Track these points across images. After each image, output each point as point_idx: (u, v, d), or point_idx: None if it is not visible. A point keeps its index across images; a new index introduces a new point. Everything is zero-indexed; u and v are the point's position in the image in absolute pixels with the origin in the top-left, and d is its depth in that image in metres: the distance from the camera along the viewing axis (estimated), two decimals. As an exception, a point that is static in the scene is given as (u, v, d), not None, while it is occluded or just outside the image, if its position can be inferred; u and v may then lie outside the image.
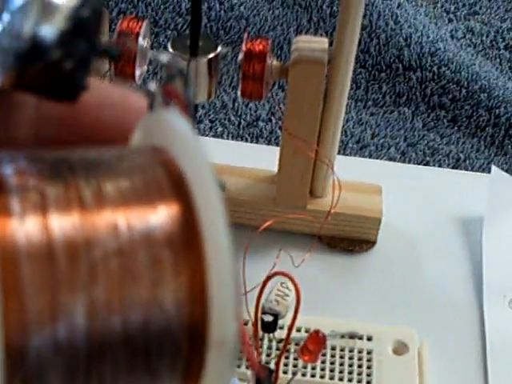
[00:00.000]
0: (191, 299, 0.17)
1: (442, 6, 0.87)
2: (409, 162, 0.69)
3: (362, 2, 0.48)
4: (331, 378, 0.47)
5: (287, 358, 0.48)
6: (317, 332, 0.46)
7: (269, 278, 0.46)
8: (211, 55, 0.52)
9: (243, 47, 0.51)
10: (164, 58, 0.21)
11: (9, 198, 0.17)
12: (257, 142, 0.70)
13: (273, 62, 0.52)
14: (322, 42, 0.52)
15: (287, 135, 0.54)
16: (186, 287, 0.17)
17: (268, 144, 0.69)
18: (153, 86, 0.20)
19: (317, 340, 0.46)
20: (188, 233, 0.17)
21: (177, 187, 0.18)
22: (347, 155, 0.69)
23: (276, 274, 0.46)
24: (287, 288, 0.49)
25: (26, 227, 0.17)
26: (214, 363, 0.17)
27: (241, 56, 0.51)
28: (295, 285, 0.44)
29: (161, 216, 0.17)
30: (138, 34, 0.52)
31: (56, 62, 0.19)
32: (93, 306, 0.17)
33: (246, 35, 0.52)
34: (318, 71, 0.51)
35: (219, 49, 0.52)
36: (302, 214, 0.56)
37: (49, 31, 0.18)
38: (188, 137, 0.18)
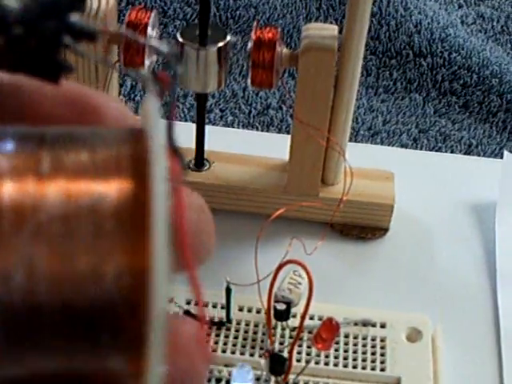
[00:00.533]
0: (131, 270, 0.17)
1: (451, -8, 0.86)
2: (421, 149, 0.69)
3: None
4: (345, 366, 0.47)
5: (300, 346, 0.48)
6: (330, 320, 0.46)
7: (281, 266, 0.46)
8: (220, 44, 0.52)
9: (253, 35, 0.51)
10: (157, 44, 0.21)
11: None
12: (267, 131, 0.69)
13: (283, 49, 0.52)
14: (331, 29, 0.52)
15: (298, 123, 0.54)
16: (126, 258, 0.18)
17: (279, 132, 0.69)
18: (145, 72, 0.20)
19: (330, 328, 0.46)
20: (135, 209, 0.18)
21: (136, 167, 0.18)
22: (359, 142, 0.69)
23: (288, 262, 0.46)
24: (300, 276, 0.49)
25: None
26: (154, 336, 0.17)
27: (250, 44, 0.51)
28: (308, 273, 0.44)
29: (112, 190, 0.18)
30: (146, 25, 0.52)
31: (19, 38, 0.19)
32: (32, 268, 0.17)
33: (255, 23, 0.52)
34: (328, 58, 0.51)
35: (228, 38, 0.52)
36: (314, 202, 0.56)
37: (11, 6, 0.18)
38: (155, 120, 0.19)
